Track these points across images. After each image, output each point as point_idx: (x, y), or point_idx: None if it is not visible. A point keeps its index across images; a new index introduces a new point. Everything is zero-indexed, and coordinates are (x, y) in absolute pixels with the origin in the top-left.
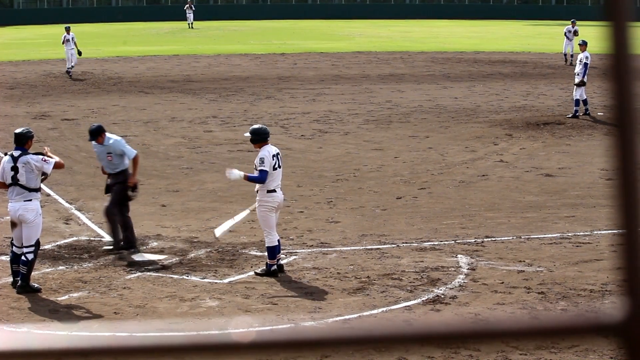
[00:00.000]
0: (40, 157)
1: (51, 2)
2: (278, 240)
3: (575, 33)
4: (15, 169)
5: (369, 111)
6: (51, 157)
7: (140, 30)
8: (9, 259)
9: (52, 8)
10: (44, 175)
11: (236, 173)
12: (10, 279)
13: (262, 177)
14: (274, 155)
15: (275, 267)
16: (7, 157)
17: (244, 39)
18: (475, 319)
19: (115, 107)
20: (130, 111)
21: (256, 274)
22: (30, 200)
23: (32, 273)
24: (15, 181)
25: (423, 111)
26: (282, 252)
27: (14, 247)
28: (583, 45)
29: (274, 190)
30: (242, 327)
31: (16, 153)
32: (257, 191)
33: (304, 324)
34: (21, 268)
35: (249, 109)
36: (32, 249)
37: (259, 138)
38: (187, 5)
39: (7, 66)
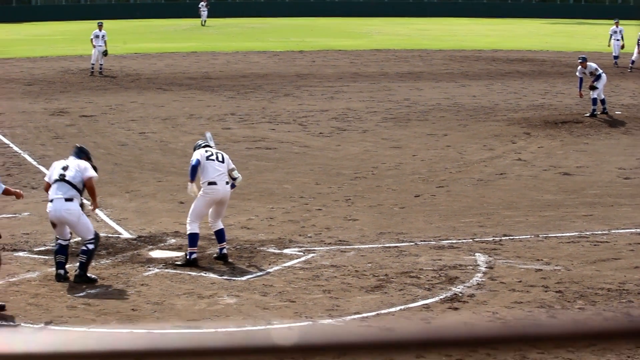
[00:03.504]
0: (87, 163)
1: None
2: (222, 230)
3: (621, 33)
4: (66, 167)
5: (387, 109)
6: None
7: (159, 27)
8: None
9: (70, 5)
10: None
11: (188, 187)
12: (29, 275)
13: (192, 164)
14: (207, 151)
15: (194, 255)
16: (61, 161)
17: (262, 36)
18: (518, 322)
19: (133, 103)
20: (148, 108)
21: (177, 265)
22: (72, 200)
23: (48, 269)
24: (61, 177)
25: (441, 109)
26: (301, 249)
27: (59, 239)
28: (584, 62)
29: (214, 183)
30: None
31: (72, 158)
32: (201, 184)
33: (322, 322)
34: (80, 257)
35: (267, 107)
36: (92, 240)
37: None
38: (202, 2)
39: (25, 62)
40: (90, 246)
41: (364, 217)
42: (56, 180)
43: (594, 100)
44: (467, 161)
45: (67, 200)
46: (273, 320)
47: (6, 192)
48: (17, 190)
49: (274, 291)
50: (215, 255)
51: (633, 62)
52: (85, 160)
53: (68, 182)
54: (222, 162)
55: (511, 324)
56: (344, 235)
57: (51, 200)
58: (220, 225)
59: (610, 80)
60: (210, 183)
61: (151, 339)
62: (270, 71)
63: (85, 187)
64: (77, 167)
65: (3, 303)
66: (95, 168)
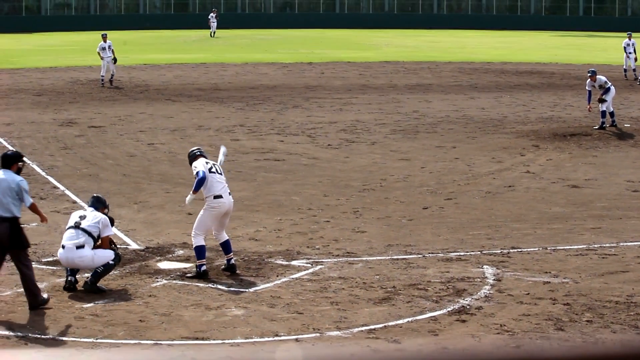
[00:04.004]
0: (108, 220)
1: (79, 9)
2: (228, 241)
3: (634, 45)
4: (83, 217)
5: (396, 121)
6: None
7: (168, 38)
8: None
9: (79, 15)
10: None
11: (188, 197)
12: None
13: (200, 177)
14: (207, 162)
15: (204, 267)
16: (80, 210)
17: (271, 48)
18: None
19: (142, 114)
20: (157, 119)
21: (187, 277)
22: (83, 247)
23: (56, 280)
24: (77, 225)
25: (450, 121)
26: (309, 260)
27: None
28: (593, 75)
29: (221, 196)
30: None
31: (90, 210)
32: (206, 198)
33: (329, 334)
34: (98, 267)
35: (276, 118)
36: (113, 259)
37: (189, 160)
38: (212, 14)
39: (35, 73)
40: (111, 262)
41: (372, 229)
42: (70, 227)
43: (603, 113)
44: (476, 173)
45: (78, 247)
46: (280, 332)
47: (32, 208)
48: (44, 215)
49: (281, 303)
50: (223, 266)
51: None
52: (102, 209)
53: (83, 229)
54: (221, 174)
55: (524, 349)
56: (352, 247)
57: (63, 247)
58: (225, 236)
59: (620, 93)
60: (216, 197)
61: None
62: (279, 83)
63: (100, 240)
64: (95, 219)
65: (47, 296)
66: (112, 220)
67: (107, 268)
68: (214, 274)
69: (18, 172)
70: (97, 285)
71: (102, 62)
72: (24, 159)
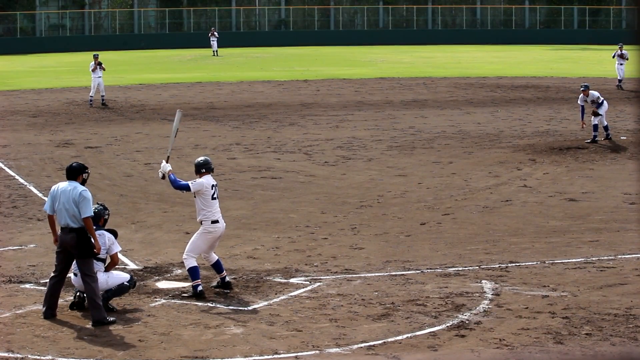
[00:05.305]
0: (113, 237)
1: (73, 30)
2: (219, 260)
3: (624, 57)
4: None
5: (392, 137)
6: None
7: (163, 58)
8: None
9: (74, 36)
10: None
11: (165, 173)
12: (35, 307)
13: (182, 186)
14: (213, 185)
15: (200, 287)
16: None
17: (266, 66)
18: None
19: (138, 134)
20: (153, 138)
21: (184, 297)
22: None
23: (59, 300)
24: None
25: (446, 137)
26: (307, 278)
27: None
28: (586, 89)
29: (217, 221)
30: None
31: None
32: (201, 221)
33: (328, 351)
34: (113, 286)
35: (272, 136)
36: (128, 281)
37: (195, 170)
38: (211, 32)
39: (30, 94)
40: (126, 284)
41: (370, 246)
42: None
43: (595, 127)
44: (473, 188)
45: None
46: (280, 350)
47: (87, 223)
48: (96, 236)
49: (280, 320)
50: (217, 284)
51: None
52: (102, 220)
53: None
54: (217, 198)
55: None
56: (350, 264)
57: (75, 274)
58: (215, 257)
59: (615, 106)
60: (213, 222)
61: None
62: (274, 100)
63: (110, 258)
64: (101, 242)
65: (114, 318)
66: (115, 233)
67: (120, 288)
68: (211, 293)
69: (82, 183)
70: (109, 303)
71: (92, 83)
72: (88, 170)
